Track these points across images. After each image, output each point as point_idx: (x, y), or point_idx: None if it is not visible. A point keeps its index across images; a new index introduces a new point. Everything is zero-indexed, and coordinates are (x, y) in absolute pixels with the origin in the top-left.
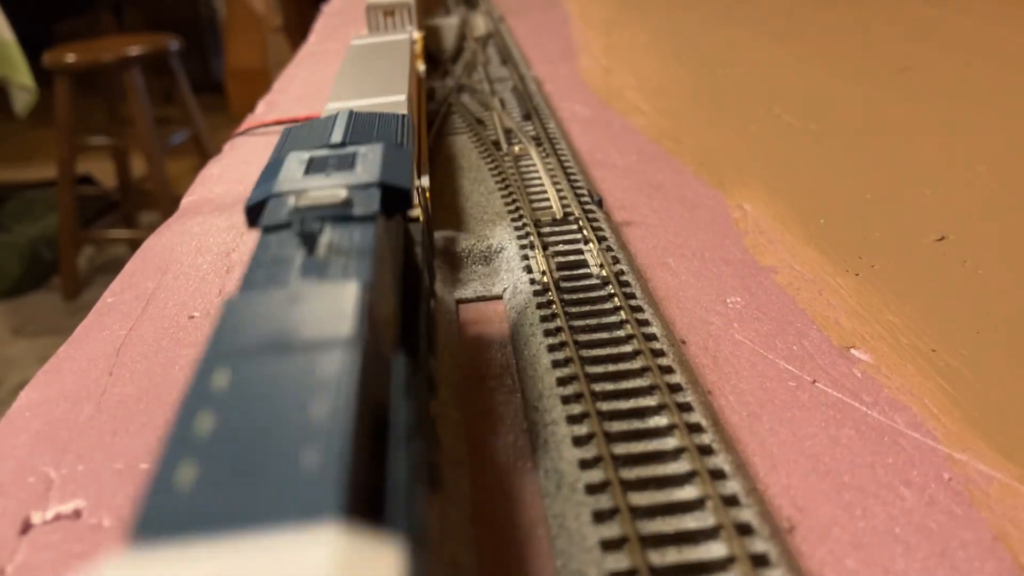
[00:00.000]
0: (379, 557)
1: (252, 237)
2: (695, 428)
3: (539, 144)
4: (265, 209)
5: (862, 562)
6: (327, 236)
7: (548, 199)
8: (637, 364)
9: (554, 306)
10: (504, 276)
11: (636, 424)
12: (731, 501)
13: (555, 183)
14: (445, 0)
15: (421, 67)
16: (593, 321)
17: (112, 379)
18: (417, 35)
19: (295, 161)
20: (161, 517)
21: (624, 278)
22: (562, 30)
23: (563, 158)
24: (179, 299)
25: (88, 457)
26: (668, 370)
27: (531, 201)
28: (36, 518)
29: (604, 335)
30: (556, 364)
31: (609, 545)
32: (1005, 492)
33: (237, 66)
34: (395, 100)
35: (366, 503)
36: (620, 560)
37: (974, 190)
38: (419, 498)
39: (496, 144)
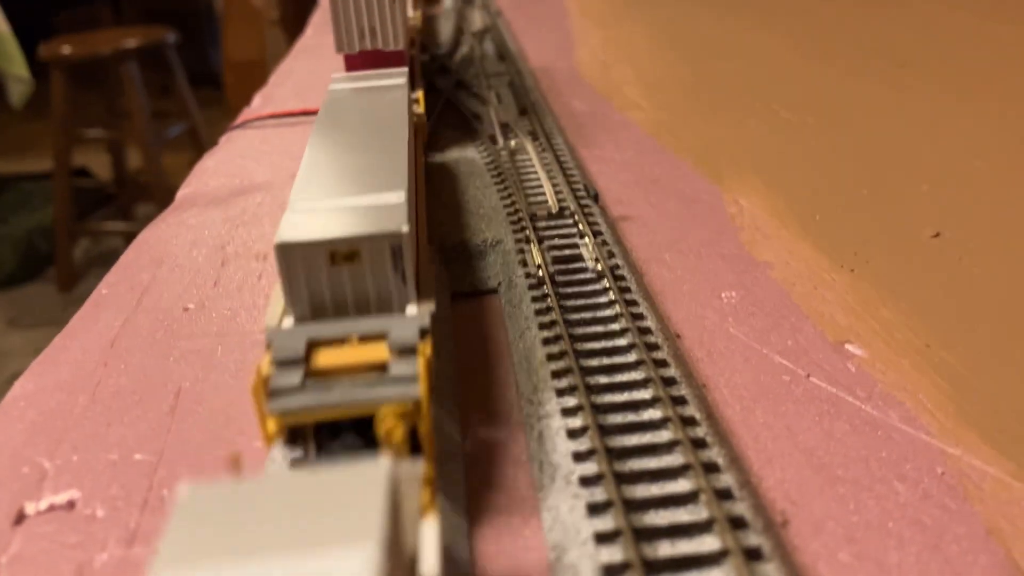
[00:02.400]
0: None
1: (246, 229)
2: (689, 422)
3: (535, 138)
4: None
5: (855, 556)
6: None
7: (544, 193)
8: (632, 358)
9: (549, 300)
10: (500, 270)
11: (630, 417)
12: (725, 495)
13: (551, 177)
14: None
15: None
16: (588, 315)
17: (107, 370)
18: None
19: None
20: None
21: (619, 272)
22: (560, 24)
23: (559, 153)
24: (174, 291)
25: (82, 448)
26: (663, 364)
27: (527, 195)
28: (30, 509)
29: (599, 329)
30: (551, 357)
31: (603, 538)
32: (998, 487)
33: (234, 59)
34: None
35: None
36: (614, 553)
37: (971, 187)
38: None
39: (492, 138)
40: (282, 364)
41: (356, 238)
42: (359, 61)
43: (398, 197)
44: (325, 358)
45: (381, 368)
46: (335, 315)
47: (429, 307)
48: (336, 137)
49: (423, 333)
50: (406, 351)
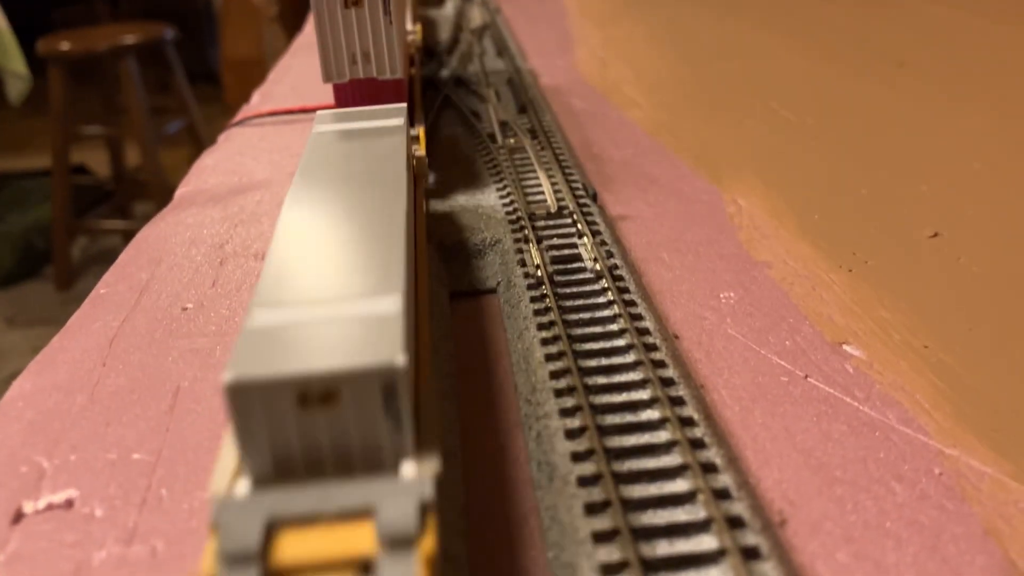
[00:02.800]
0: None
1: (245, 228)
2: (687, 422)
3: (534, 137)
4: None
5: (853, 556)
6: None
7: (543, 192)
8: (630, 358)
9: (548, 300)
10: (498, 269)
11: (629, 417)
12: (723, 494)
13: (550, 176)
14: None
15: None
16: (587, 315)
17: (105, 370)
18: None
19: None
20: None
21: (618, 272)
22: (559, 22)
23: (558, 151)
24: (173, 290)
25: (81, 447)
26: (661, 364)
27: (526, 194)
28: (28, 508)
29: (598, 329)
30: (549, 358)
31: (601, 537)
32: (996, 487)
33: (233, 56)
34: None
35: None
36: (611, 552)
37: (969, 187)
38: None
39: (491, 137)
40: (231, 559)
41: (334, 375)
42: (350, 91)
43: (392, 304)
44: (289, 550)
45: (366, 568)
46: (307, 474)
47: (432, 465)
48: (316, 206)
49: (423, 510)
50: (399, 542)
